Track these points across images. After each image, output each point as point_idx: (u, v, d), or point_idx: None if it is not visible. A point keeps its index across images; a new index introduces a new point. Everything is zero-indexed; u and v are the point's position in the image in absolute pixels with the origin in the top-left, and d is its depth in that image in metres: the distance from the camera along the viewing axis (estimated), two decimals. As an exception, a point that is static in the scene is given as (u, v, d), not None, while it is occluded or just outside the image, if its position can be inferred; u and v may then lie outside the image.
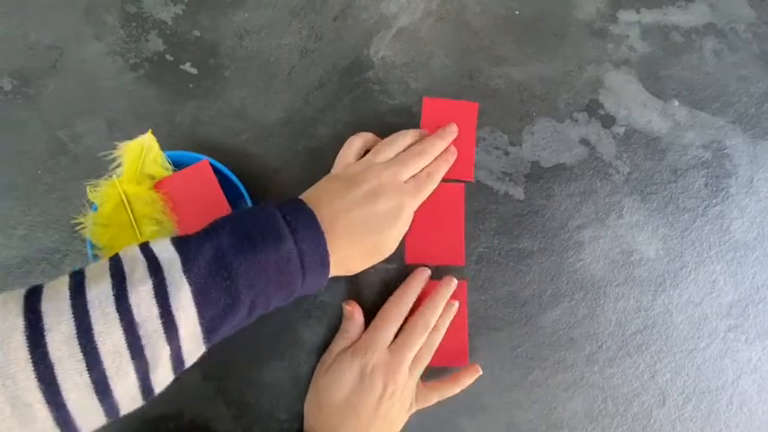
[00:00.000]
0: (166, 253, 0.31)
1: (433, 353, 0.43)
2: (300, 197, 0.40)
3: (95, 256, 0.43)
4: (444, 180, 0.47)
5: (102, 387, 0.28)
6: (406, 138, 0.45)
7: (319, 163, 0.48)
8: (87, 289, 0.29)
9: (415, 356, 0.42)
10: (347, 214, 0.38)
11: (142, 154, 0.42)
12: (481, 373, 0.44)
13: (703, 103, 0.49)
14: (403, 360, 0.41)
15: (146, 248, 0.32)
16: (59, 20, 0.49)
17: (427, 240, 0.46)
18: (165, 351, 0.30)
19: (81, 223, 0.42)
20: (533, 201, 0.47)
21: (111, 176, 0.43)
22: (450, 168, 0.47)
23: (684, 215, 0.48)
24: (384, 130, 0.48)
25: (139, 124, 0.48)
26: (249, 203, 0.43)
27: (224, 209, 0.43)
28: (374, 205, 0.39)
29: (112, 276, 0.30)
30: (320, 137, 0.48)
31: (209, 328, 0.31)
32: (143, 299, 0.29)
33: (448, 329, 0.45)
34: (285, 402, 0.45)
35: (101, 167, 0.43)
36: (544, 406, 0.45)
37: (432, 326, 0.43)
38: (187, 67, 0.49)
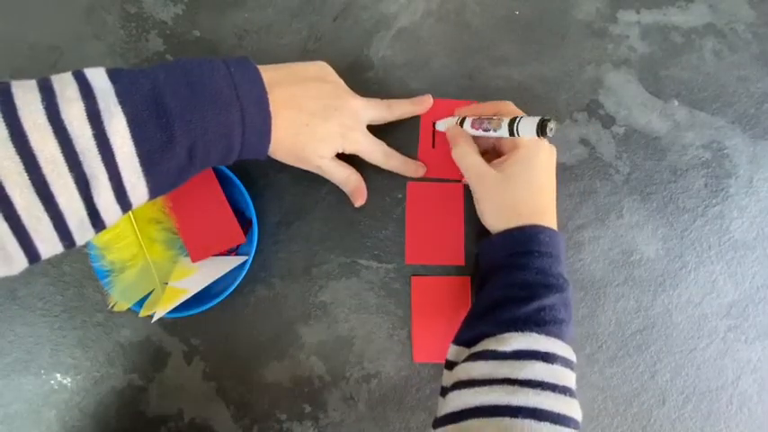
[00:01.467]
0: (100, 81, 0.30)
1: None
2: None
3: (95, 257, 0.43)
4: (444, 180, 0.47)
5: (44, 191, 0.28)
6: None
7: (319, 163, 0.48)
8: (15, 97, 0.28)
9: None
10: (291, 86, 0.38)
11: None
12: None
13: (703, 103, 0.49)
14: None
15: (78, 74, 0.31)
16: (59, 20, 0.49)
17: (427, 240, 0.46)
18: (102, 172, 0.29)
19: None
20: (533, 201, 0.47)
21: None
22: (451, 169, 0.47)
23: (684, 215, 0.48)
24: (384, 129, 0.48)
25: (139, 124, 0.48)
26: (249, 204, 0.43)
27: (224, 209, 0.44)
28: (318, 88, 0.40)
29: (41, 90, 0.29)
30: (320, 137, 0.48)
31: (147, 162, 0.31)
32: (75, 116, 0.29)
33: (452, 327, 0.45)
34: (285, 402, 0.45)
35: (101, 167, 0.43)
36: (544, 406, 0.45)
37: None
38: (187, 67, 0.49)
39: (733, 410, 0.46)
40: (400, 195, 0.47)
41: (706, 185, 0.48)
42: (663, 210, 0.48)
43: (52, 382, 0.45)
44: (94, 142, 0.29)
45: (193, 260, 0.44)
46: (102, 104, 0.29)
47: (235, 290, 0.43)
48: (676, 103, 0.49)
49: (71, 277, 0.46)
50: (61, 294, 0.46)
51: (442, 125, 0.46)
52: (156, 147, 0.31)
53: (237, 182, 0.44)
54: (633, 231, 0.47)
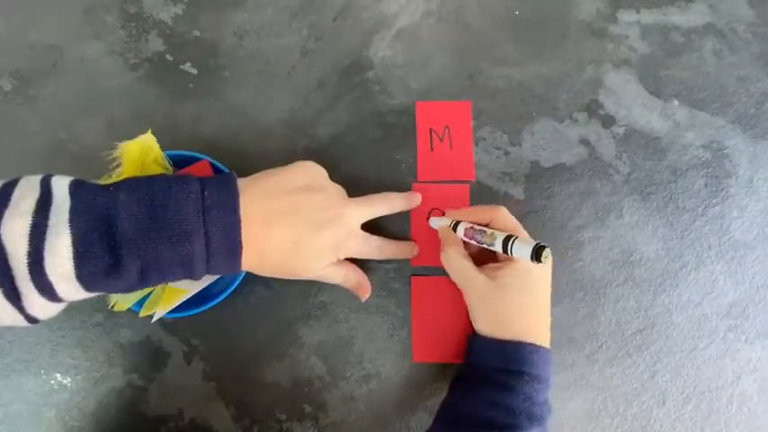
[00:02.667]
0: (61, 193, 0.30)
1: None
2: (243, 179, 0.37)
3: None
4: (448, 181, 0.47)
5: None
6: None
7: (319, 163, 0.48)
8: None
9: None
10: (276, 200, 0.36)
11: (142, 154, 0.42)
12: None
13: (703, 103, 0.49)
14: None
15: (45, 182, 0.31)
16: (59, 20, 0.49)
17: (432, 241, 0.46)
18: (31, 290, 0.29)
19: None
20: (533, 201, 0.47)
21: (111, 176, 0.43)
22: (452, 169, 0.47)
23: (684, 215, 0.48)
24: (384, 130, 0.48)
25: (139, 124, 0.47)
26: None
27: None
28: (307, 199, 0.37)
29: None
30: (320, 137, 0.48)
31: (88, 282, 0.30)
32: (14, 232, 0.28)
33: (453, 326, 0.45)
34: (285, 402, 0.45)
35: (101, 167, 0.43)
36: (544, 406, 0.45)
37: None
38: (187, 67, 0.49)
39: (733, 410, 0.46)
40: (400, 195, 0.47)
41: (706, 185, 0.48)
42: (663, 210, 0.48)
43: (52, 382, 0.45)
44: (26, 261, 0.28)
45: None
46: (52, 220, 0.29)
47: (235, 290, 0.43)
48: (676, 103, 0.49)
49: (71, 277, 0.46)
50: (61, 294, 0.46)
51: (435, 223, 0.45)
52: (99, 269, 0.30)
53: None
54: (633, 231, 0.47)
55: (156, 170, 0.43)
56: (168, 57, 0.49)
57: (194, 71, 0.49)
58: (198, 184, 0.33)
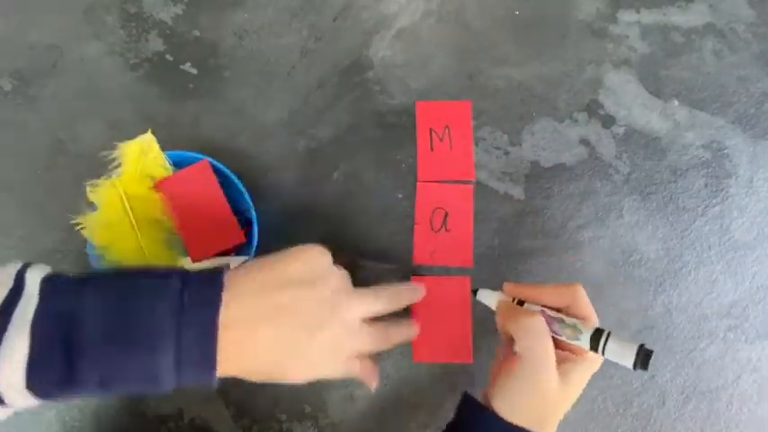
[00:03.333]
0: (31, 290, 0.28)
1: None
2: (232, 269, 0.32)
3: (96, 257, 0.43)
4: (448, 181, 0.47)
5: None
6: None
7: (319, 163, 0.48)
8: None
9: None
10: (266, 298, 0.31)
11: (142, 154, 0.42)
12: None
13: (703, 103, 0.49)
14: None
15: (20, 275, 0.29)
16: (59, 20, 0.49)
17: (435, 241, 0.46)
18: None
19: (80, 224, 0.42)
20: (533, 201, 0.47)
21: (111, 176, 0.43)
22: (452, 169, 0.47)
23: (684, 215, 0.48)
24: (384, 130, 0.48)
25: (139, 124, 0.48)
26: (249, 203, 0.43)
27: (224, 209, 0.44)
28: (301, 295, 0.32)
29: None
30: (320, 137, 0.48)
31: (39, 393, 0.28)
32: None
33: (453, 326, 0.45)
34: (285, 402, 0.45)
35: (101, 167, 0.43)
36: (544, 406, 0.45)
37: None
38: (187, 67, 0.49)
39: (733, 410, 0.46)
40: (400, 195, 0.47)
41: (706, 185, 0.48)
42: (663, 210, 0.48)
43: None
44: None
45: (193, 260, 0.44)
46: (14, 323, 0.27)
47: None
48: (676, 103, 0.49)
49: (71, 277, 0.46)
50: (61, 294, 0.46)
51: (486, 297, 0.40)
52: (53, 380, 0.27)
53: (237, 182, 0.44)
54: (633, 231, 0.47)
55: (155, 170, 0.43)
56: (168, 57, 0.49)
57: (194, 71, 0.49)
58: (178, 281, 0.29)
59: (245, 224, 0.45)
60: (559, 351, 0.36)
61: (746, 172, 0.48)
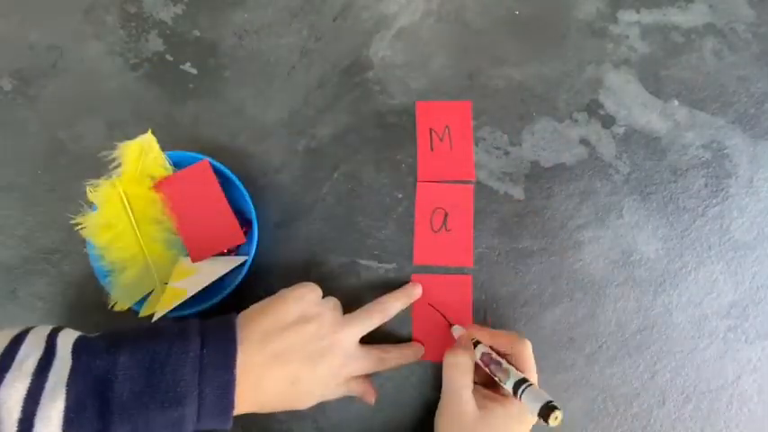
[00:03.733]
0: (64, 353, 0.31)
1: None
2: (238, 318, 0.37)
3: (95, 257, 0.43)
4: (448, 181, 0.47)
5: None
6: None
7: (319, 163, 0.48)
8: None
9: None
10: (270, 343, 0.36)
11: (142, 154, 0.42)
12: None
13: (703, 103, 0.49)
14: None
15: (52, 337, 0.32)
16: (59, 20, 0.49)
17: (435, 241, 0.46)
18: None
19: (80, 224, 0.42)
20: (533, 201, 0.47)
21: (110, 176, 0.43)
22: (452, 169, 0.47)
23: (684, 215, 0.48)
24: (384, 130, 0.48)
25: (139, 124, 0.48)
26: (249, 203, 0.43)
27: (224, 208, 0.44)
28: (300, 333, 0.37)
29: (1, 358, 0.30)
30: (320, 137, 0.48)
31: None
32: (11, 397, 0.29)
33: (454, 324, 0.45)
34: (285, 402, 0.45)
35: (101, 167, 0.43)
36: (544, 406, 0.45)
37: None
38: (187, 67, 0.49)
39: (733, 410, 0.46)
40: (400, 195, 0.47)
41: (706, 185, 0.48)
42: (663, 210, 0.48)
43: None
44: (16, 429, 0.28)
45: (193, 260, 0.44)
46: (50, 383, 0.30)
47: (235, 290, 0.43)
48: (676, 103, 0.49)
49: (71, 277, 0.46)
50: (61, 294, 0.46)
51: (456, 331, 0.44)
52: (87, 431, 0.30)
53: (237, 182, 0.44)
54: (633, 231, 0.47)
55: (155, 170, 0.43)
56: (168, 57, 0.49)
57: (194, 71, 0.49)
58: (198, 341, 0.33)
59: (245, 224, 0.45)
60: (493, 392, 0.41)
61: (746, 172, 0.48)
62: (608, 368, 0.46)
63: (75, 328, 0.46)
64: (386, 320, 0.42)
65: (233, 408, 0.33)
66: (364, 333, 0.41)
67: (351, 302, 0.46)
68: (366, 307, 0.42)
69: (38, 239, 0.47)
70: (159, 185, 0.43)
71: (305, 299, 0.39)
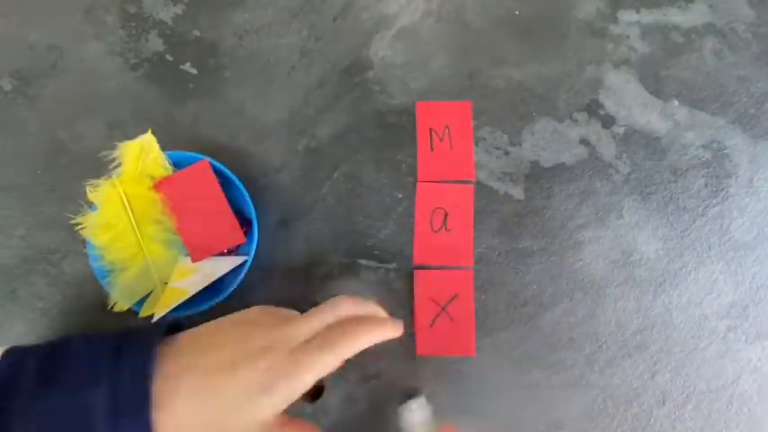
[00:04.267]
0: None
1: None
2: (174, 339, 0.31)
3: (95, 257, 0.43)
4: (448, 181, 0.47)
5: None
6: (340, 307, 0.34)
7: (319, 163, 0.48)
8: None
9: None
10: (198, 376, 0.29)
11: (142, 154, 0.42)
12: None
13: (703, 103, 0.49)
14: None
15: None
16: (59, 20, 0.49)
17: (435, 241, 0.46)
18: None
19: (80, 224, 0.42)
20: (533, 201, 0.47)
21: (110, 177, 0.43)
22: (452, 169, 0.47)
23: (684, 215, 0.48)
24: (384, 130, 0.48)
25: (139, 124, 0.48)
26: (249, 203, 0.43)
27: (224, 208, 0.44)
28: (232, 376, 0.29)
29: None
30: (320, 137, 0.48)
31: None
32: None
33: (455, 319, 0.45)
34: (285, 402, 0.45)
35: (101, 167, 0.43)
36: (544, 406, 0.45)
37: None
38: (187, 67, 0.49)
39: (733, 410, 0.46)
40: (400, 195, 0.47)
41: (706, 185, 0.48)
42: (663, 210, 0.48)
43: (52, 382, 0.45)
44: None
45: (193, 260, 0.44)
46: None
47: (235, 290, 0.43)
48: (676, 103, 0.49)
49: (71, 277, 0.46)
50: (61, 294, 0.46)
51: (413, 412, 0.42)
52: None
53: (237, 182, 0.44)
54: (633, 231, 0.47)
55: (155, 170, 0.43)
56: (168, 57, 0.49)
57: (194, 71, 0.49)
58: (113, 342, 0.29)
59: (245, 224, 0.45)
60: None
61: (746, 172, 0.48)
62: (608, 368, 0.46)
63: (75, 328, 0.46)
64: (339, 312, 0.34)
65: (150, 400, 0.27)
66: (311, 332, 0.32)
67: (351, 302, 0.46)
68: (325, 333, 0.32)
69: (38, 239, 0.47)
70: (159, 185, 0.43)
71: (251, 314, 0.34)
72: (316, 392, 0.32)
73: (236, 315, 0.34)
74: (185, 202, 0.44)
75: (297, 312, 0.35)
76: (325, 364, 0.31)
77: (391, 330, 0.35)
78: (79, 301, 0.46)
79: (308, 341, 0.31)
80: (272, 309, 0.35)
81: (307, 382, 0.30)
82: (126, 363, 0.28)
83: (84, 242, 0.43)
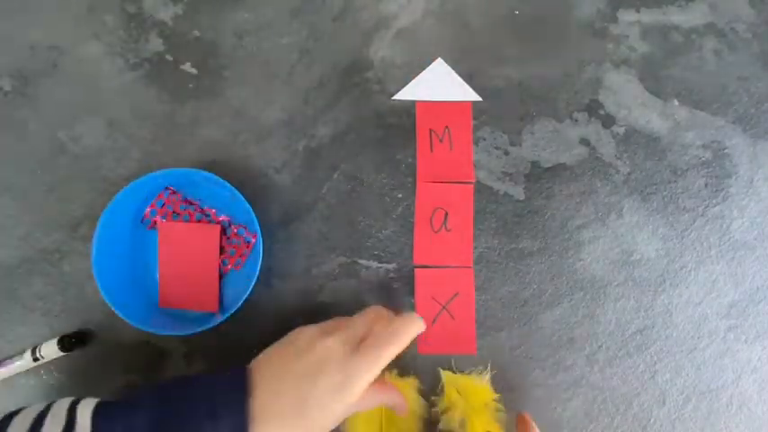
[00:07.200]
0: (83, 420, 0.32)
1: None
2: (249, 370, 0.35)
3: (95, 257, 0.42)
4: (448, 182, 0.47)
5: None
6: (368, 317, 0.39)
7: (319, 163, 0.48)
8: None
9: None
10: (282, 397, 0.34)
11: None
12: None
13: (703, 103, 0.49)
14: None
15: (73, 410, 0.33)
16: (59, 20, 0.49)
17: (436, 242, 0.46)
18: None
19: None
20: (533, 201, 0.47)
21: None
22: (452, 169, 0.47)
23: (684, 215, 0.48)
24: (384, 130, 0.48)
25: (139, 124, 0.48)
26: (255, 222, 0.43)
27: (212, 277, 0.45)
28: (314, 383, 0.34)
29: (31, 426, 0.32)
30: (320, 137, 0.48)
31: None
32: None
33: (456, 317, 0.45)
34: (285, 402, 0.45)
35: (100, 167, 0.43)
36: (544, 406, 0.45)
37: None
38: (187, 67, 0.49)
39: (733, 410, 0.46)
40: (400, 195, 0.47)
41: (706, 185, 0.48)
42: (663, 210, 0.48)
43: (52, 382, 0.45)
44: None
45: (161, 305, 0.45)
46: None
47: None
48: (676, 102, 0.49)
49: (71, 277, 0.46)
50: (61, 294, 0.46)
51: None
52: None
53: (240, 196, 0.43)
54: (633, 231, 0.47)
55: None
56: (168, 57, 0.49)
57: (194, 71, 0.49)
58: (208, 411, 0.33)
59: (249, 237, 0.45)
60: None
61: (746, 172, 0.48)
62: (608, 368, 0.46)
63: (75, 327, 0.46)
64: (376, 318, 0.38)
65: None
66: (355, 339, 0.36)
67: (351, 302, 0.46)
68: (374, 342, 0.36)
69: (38, 239, 0.47)
70: (161, 226, 0.44)
71: (301, 333, 0.37)
72: None
73: (284, 343, 0.38)
74: (180, 252, 0.45)
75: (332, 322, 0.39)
76: (390, 354, 0.36)
77: (421, 325, 0.38)
78: (79, 301, 0.46)
79: (363, 341, 0.36)
80: (306, 328, 0.38)
81: (374, 376, 0.35)
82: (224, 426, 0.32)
83: (84, 242, 0.43)
